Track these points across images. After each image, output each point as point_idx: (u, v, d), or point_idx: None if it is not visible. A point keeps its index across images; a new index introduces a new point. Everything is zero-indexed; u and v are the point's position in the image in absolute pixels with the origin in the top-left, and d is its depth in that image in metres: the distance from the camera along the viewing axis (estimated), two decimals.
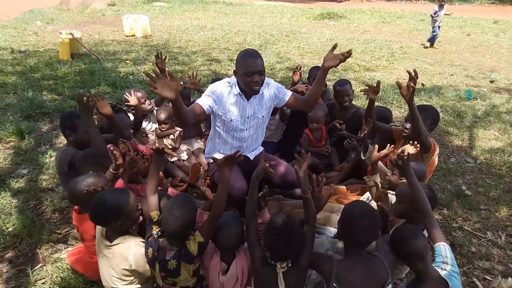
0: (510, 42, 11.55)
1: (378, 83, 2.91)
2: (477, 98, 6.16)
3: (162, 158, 2.18)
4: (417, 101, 5.90)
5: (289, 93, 2.99)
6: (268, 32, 11.65)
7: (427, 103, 5.86)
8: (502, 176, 3.85)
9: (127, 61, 7.36)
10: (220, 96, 2.78)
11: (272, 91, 2.96)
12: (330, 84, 5.10)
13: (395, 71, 7.89)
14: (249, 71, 2.60)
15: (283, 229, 1.80)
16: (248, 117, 2.90)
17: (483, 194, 3.52)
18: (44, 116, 4.75)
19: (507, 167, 3.99)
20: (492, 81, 7.29)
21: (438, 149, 2.81)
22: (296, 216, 2.76)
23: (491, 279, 2.54)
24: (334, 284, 1.76)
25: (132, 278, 2.11)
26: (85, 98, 2.58)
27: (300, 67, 4.15)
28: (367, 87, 2.97)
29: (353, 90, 3.92)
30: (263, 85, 2.82)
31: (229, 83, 2.82)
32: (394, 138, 3.09)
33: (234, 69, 2.75)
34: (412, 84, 2.47)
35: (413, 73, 2.48)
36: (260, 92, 2.81)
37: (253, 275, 1.99)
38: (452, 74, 7.75)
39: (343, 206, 2.53)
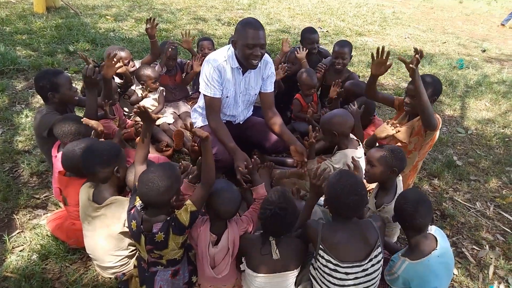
0: (501, 11, 11.41)
1: (388, 54, 2.48)
2: (469, 67, 6.09)
3: (150, 124, 2.01)
4: None
5: (271, 88, 2.84)
6: None
7: (420, 71, 5.75)
8: (492, 147, 3.85)
9: (107, 17, 6.89)
10: (220, 73, 2.59)
11: (267, 73, 2.78)
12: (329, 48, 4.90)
13: (387, 37, 7.70)
14: (250, 44, 2.39)
15: (277, 210, 1.76)
16: (240, 93, 2.74)
17: (473, 164, 3.51)
18: (18, 73, 4.42)
19: (497, 138, 3.99)
20: (484, 50, 7.21)
21: (440, 123, 2.61)
22: (287, 185, 2.71)
23: (479, 249, 2.55)
24: (320, 246, 1.71)
25: (124, 248, 2.02)
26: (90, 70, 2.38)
27: (287, 39, 3.88)
28: (373, 58, 2.55)
29: (352, 56, 3.75)
30: (262, 61, 2.64)
31: (225, 57, 2.60)
32: (395, 108, 2.94)
33: (233, 38, 2.54)
34: (416, 60, 2.26)
35: (418, 51, 2.27)
36: (257, 67, 2.61)
37: (244, 248, 1.91)
38: (445, 42, 7.62)
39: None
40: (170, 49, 3.49)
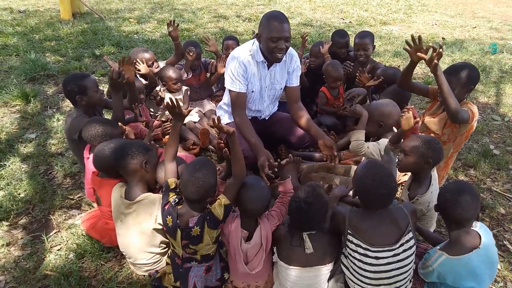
0: None
1: (420, 38, 2.31)
2: (503, 52, 5.79)
3: (181, 122, 2.06)
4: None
5: (296, 82, 2.81)
6: None
7: (449, 58, 5.53)
8: None
9: (130, 20, 7.02)
10: (245, 68, 2.59)
11: (293, 66, 2.74)
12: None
13: (413, 24, 7.44)
14: (274, 37, 2.36)
15: (302, 204, 1.73)
16: (266, 87, 2.71)
17: (511, 153, 3.33)
18: (48, 78, 4.57)
19: None
20: None
21: (477, 114, 2.47)
22: (315, 180, 2.66)
23: None
24: (348, 231, 1.69)
25: (156, 245, 2.04)
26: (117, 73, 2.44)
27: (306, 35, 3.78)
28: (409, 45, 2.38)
29: (374, 46, 3.64)
30: (287, 55, 2.61)
31: (250, 51, 2.59)
32: (430, 97, 2.80)
33: (257, 32, 2.51)
34: (436, 58, 2.17)
35: (439, 49, 2.16)
36: (282, 61, 2.58)
37: (277, 241, 1.89)
38: (475, 27, 7.28)
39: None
40: (191, 54, 3.50)
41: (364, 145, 2.40)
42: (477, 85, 4.51)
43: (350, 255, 1.70)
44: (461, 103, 2.46)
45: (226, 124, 2.87)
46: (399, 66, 5.12)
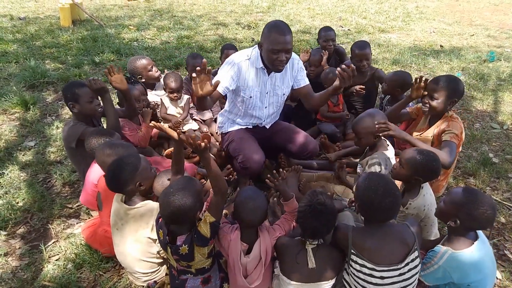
0: None
1: (426, 81, 2.55)
2: (500, 60, 5.81)
3: (182, 143, 2.00)
4: (437, 64, 5.60)
5: (305, 81, 2.77)
6: None
7: (447, 65, 5.56)
8: None
9: (130, 27, 7.05)
10: (238, 71, 2.54)
11: (296, 70, 2.72)
12: (346, 47, 4.81)
13: (411, 32, 7.48)
14: (275, 49, 2.32)
15: (317, 209, 1.70)
16: (267, 93, 2.69)
17: (511, 161, 3.33)
18: (48, 85, 4.57)
19: None
20: None
21: (462, 127, 2.46)
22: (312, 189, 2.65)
23: None
24: (352, 251, 1.66)
25: (153, 255, 2.03)
26: (92, 80, 2.52)
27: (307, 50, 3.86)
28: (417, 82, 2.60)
29: (371, 53, 3.66)
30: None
31: (248, 56, 2.56)
32: (412, 117, 2.85)
33: (257, 39, 2.50)
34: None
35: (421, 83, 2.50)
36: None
37: (279, 253, 1.87)
38: (473, 35, 7.33)
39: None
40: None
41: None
42: (475, 93, 4.58)
43: (354, 274, 1.67)
44: (444, 116, 2.50)
45: (227, 132, 2.87)
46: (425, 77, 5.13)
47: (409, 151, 2.09)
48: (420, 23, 8.16)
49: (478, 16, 9.04)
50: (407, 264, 1.63)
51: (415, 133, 2.68)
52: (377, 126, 2.29)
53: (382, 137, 2.53)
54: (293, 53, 2.67)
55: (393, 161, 2.41)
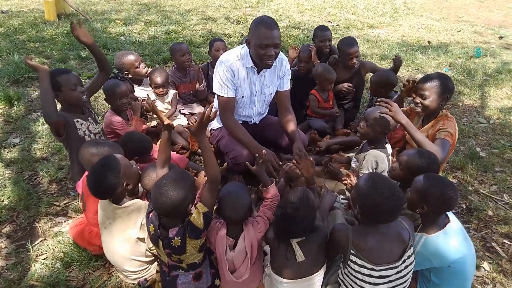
0: None
1: (414, 82, 2.69)
2: (486, 55, 5.90)
3: (170, 130, 1.99)
4: (425, 59, 5.65)
5: (287, 86, 2.81)
6: None
7: (435, 61, 5.62)
8: None
9: (117, 21, 6.91)
10: (233, 73, 2.55)
11: (283, 71, 2.73)
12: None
13: (400, 28, 7.53)
14: (263, 43, 2.32)
15: (288, 210, 1.71)
16: (256, 92, 2.69)
17: (497, 155, 3.39)
18: (33, 81, 4.45)
19: None
20: (501, 37, 6.98)
21: (455, 127, 2.48)
22: (303, 184, 2.66)
23: (510, 243, 2.45)
24: (352, 251, 1.65)
25: (141, 254, 2.00)
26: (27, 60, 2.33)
27: (295, 46, 3.84)
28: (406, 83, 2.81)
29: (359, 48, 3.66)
30: (277, 60, 2.60)
31: (238, 56, 2.56)
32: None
33: (247, 37, 2.49)
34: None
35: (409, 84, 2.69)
36: (272, 66, 2.55)
37: (270, 248, 1.87)
38: (459, 31, 7.41)
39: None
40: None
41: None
42: (462, 88, 4.64)
43: (351, 274, 1.67)
44: (438, 116, 2.51)
45: (217, 129, 2.85)
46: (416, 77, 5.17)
47: (409, 153, 2.09)
48: (408, 19, 8.21)
49: (465, 12, 9.15)
50: (404, 261, 1.64)
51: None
52: (377, 103, 2.31)
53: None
54: (283, 55, 2.68)
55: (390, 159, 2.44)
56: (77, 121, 2.47)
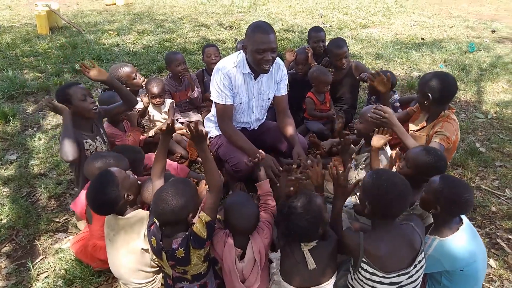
0: None
1: (389, 77, 2.61)
2: (480, 50, 5.92)
3: (169, 137, 2.00)
4: (419, 56, 5.66)
5: (285, 91, 2.80)
6: None
7: (430, 58, 5.63)
8: None
9: (110, 32, 6.91)
10: (230, 80, 2.54)
11: (280, 76, 2.73)
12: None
13: (392, 26, 7.56)
14: (260, 48, 2.32)
15: (298, 213, 1.68)
16: (253, 98, 2.68)
17: (497, 150, 3.38)
18: (28, 96, 4.44)
19: None
20: (493, 31, 7.02)
21: (456, 127, 2.44)
22: (307, 187, 2.64)
23: None
24: (363, 259, 1.62)
25: (147, 264, 1.97)
26: (49, 102, 2.35)
27: (292, 49, 3.82)
28: (371, 76, 2.67)
29: (348, 48, 3.67)
30: (274, 65, 2.59)
31: (234, 63, 2.56)
32: (411, 115, 2.81)
33: (243, 43, 2.48)
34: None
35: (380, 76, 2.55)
36: (269, 71, 2.55)
37: (281, 253, 1.84)
38: (452, 26, 7.45)
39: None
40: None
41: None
42: (458, 84, 4.63)
43: (362, 280, 1.64)
44: (440, 116, 2.45)
45: (215, 136, 2.83)
46: (381, 68, 5.17)
47: (415, 150, 2.06)
48: (401, 17, 8.25)
49: (456, 7, 9.21)
50: (415, 266, 1.62)
51: (412, 126, 2.67)
52: (372, 110, 2.28)
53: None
54: (279, 59, 2.67)
55: (388, 150, 2.42)
56: (86, 142, 2.46)
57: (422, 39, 6.62)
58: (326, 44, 4.00)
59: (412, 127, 2.67)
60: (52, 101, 2.36)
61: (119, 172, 1.96)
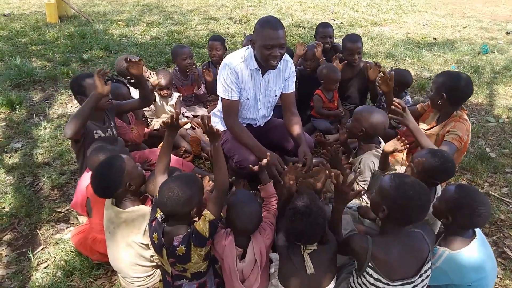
0: None
1: (392, 75, 2.55)
2: (494, 52, 5.80)
3: (175, 134, 1.98)
4: (431, 56, 5.56)
5: (292, 88, 2.75)
6: None
7: (441, 58, 5.52)
8: None
9: (119, 22, 6.89)
10: (237, 76, 2.51)
11: (288, 73, 2.68)
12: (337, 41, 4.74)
13: (404, 25, 7.44)
14: (269, 44, 2.28)
15: (302, 213, 1.63)
16: (260, 94, 2.64)
17: (508, 156, 3.31)
18: (35, 84, 4.43)
19: None
20: (508, 33, 6.86)
21: (467, 128, 2.39)
22: (311, 185, 2.59)
23: None
24: (369, 264, 1.58)
25: (146, 258, 1.96)
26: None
27: (302, 42, 3.78)
28: (381, 76, 2.60)
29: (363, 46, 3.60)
30: (281, 61, 2.55)
31: (242, 58, 2.52)
32: (421, 113, 2.78)
33: (251, 38, 2.44)
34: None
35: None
36: (277, 67, 2.51)
37: (279, 255, 1.81)
38: (465, 27, 7.31)
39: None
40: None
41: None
42: None
43: (366, 286, 1.60)
44: (452, 116, 2.42)
45: (221, 132, 2.79)
46: (392, 67, 5.09)
47: (421, 154, 2.01)
48: (413, 16, 8.12)
49: (470, 8, 9.04)
50: (420, 275, 1.57)
51: (422, 125, 2.62)
52: (394, 104, 2.23)
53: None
54: (287, 56, 2.63)
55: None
56: (96, 132, 2.45)
57: (434, 39, 6.50)
58: (334, 40, 3.95)
59: (422, 126, 2.61)
60: (102, 73, 2.28)
61: (128, 160, 1.97)
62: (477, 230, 1.75)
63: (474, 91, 4.44)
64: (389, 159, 2.29)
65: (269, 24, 2.29)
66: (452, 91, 2.34)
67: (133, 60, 2.39)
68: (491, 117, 3.95)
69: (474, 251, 1.67)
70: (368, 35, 6.58)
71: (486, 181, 2.98)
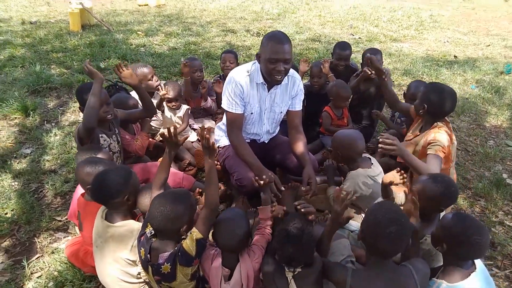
0: None
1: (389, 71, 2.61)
2: None
3: (176, 150, 1.97)
4: (450, 75, 5.41)
5: (299, 106, 2.69)
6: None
7: (461, 77, 5.36)
8: None
9: (138, 32, 7.03)
10: (242, 89, 2.48)
11: (296, 90, 2.63)
12: (354, 57, 4.67)
13: (424, 41, 7.29)
14: (273, 58, 2.25)
15: (293, 234, 1.60)
16: (265, 110, 2.60)
17: None
18: (51, 91, 4.53)
19: None
20: None
21: (446, 139, 2.30)
22: (315, 203, 2.52)
23: None
24: None
25: (133, 275, 1.91)
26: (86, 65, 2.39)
27: (306, 59, 3.77)
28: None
29: (383, 61, 3.52)
30: (289, 78, 2.53)
31: (248, 72, 2.49)
32: (412, 116, 2.73)
33: (258, 52, 2.41)
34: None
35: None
36: (283, 83, 2.49)
37: (264, 281, 1.75)
38: (489, 45, 7.09)
39: None
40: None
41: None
42: (489, 108, 4.37)
43: None
44: (433, 126, 2.38)
45: (224, 147, 2.76)
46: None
47: (421, 180, 1.92)
48: (434, 32, 7.96)
49: (495, 25, 8.79)
50: None
51: (409, 135, 2.62)
52: (380, 140, 2.14)
53: (365, 154, 2.49)
54: (296, 73, 2.58)
55: (379, 178, 2.29)
56: (102, 136, 2.47)
57: (455, 56, 6.34)
58: (352, 56, 3.88)
59: (408, 134, 2.62)
60: (90, 64, 2.40)
61: (135, 177, 1.98)
62: (478, 262, 1.65)
63: (494, 113, 4.30)
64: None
65: (275, 38, 2.26)
66: (433, 104, 2.34)
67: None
68: (511, 141, 3.77)
69: (473, 284, 1.56)
70: (386, 51, 6.47)
71: (501, 209, 2.82)
